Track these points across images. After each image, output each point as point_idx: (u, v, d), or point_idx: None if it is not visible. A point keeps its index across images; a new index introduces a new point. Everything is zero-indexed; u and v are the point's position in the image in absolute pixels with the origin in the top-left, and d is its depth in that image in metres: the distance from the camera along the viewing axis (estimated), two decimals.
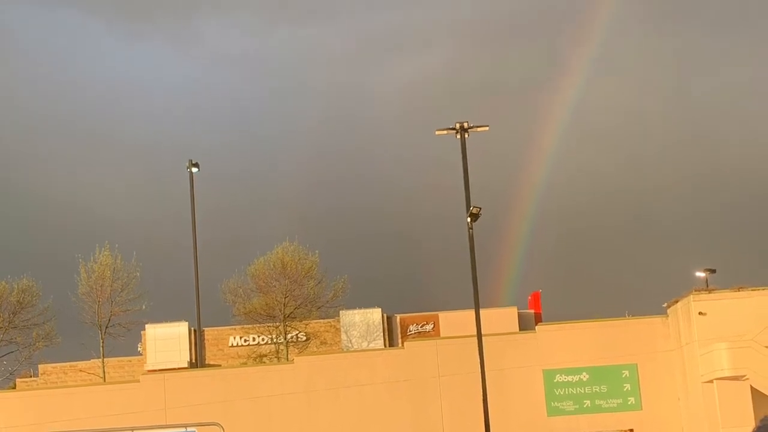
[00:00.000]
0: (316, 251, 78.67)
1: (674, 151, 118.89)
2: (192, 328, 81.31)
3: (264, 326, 79.26)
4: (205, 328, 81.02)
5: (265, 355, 79.86)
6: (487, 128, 60.09)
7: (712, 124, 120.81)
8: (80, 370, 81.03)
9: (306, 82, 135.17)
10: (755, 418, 56.47)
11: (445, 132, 59.63)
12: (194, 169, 72.98)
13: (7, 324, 76.43)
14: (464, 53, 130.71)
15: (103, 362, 77.44)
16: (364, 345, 79.61)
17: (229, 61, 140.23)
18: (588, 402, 62.93)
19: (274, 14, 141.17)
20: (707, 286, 65.02)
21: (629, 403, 63.11)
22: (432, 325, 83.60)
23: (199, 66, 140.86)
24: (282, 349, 78.44)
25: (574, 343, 63.62)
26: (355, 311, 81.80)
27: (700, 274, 67.55)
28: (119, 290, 76.30)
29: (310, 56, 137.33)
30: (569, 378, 63.09)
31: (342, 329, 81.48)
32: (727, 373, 58.89)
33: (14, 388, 77.50)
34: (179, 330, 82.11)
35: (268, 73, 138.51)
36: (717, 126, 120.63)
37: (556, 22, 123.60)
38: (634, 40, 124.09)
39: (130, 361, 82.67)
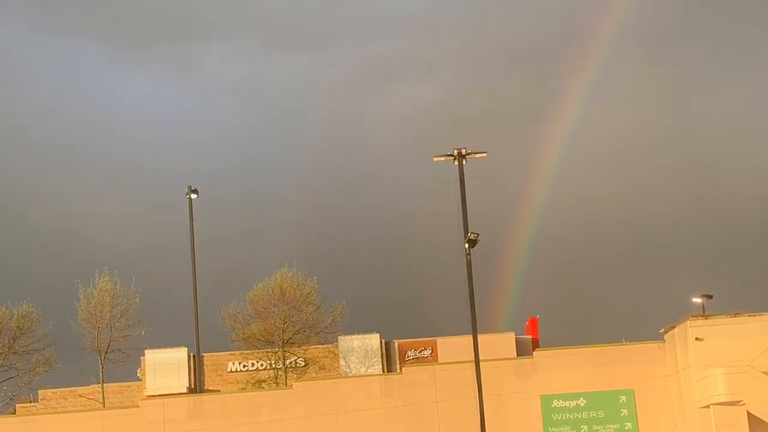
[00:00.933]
0: (315, 277, 78.98)
1: (671, 177, 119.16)
2: (191, 354, 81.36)
3: (263, 352, 79.27)
4: (204, 354, 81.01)
5: (264, 381, 79.88)
6: (485, 155, 60.28)
7: (709, 151, 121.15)
8: (80, 396, 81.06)
9: (305, 110, 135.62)
10: None
11: (443, 158, 59.81)
12: (193, 196, 73.15)
13: (7, 350, 76.55)
14: (462, 82, 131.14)
15: (102, 388, 77.50)
16: (363, 370, 79.64)
17: (229, 89, 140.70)
18: (585, 427, 63.09)
19: (273, 42, 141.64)
20: (704, 311, 65.20)
21: (626, 428, 63.26)
22: (430, 351, 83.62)
23: (198, 93, 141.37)
24: (281, 375, 78.48)
25: (571, 369, 63.79)
26: (354, 337, 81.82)
27: (697, 300, 67.73)
28: (119, 316, 76.43)
29: (310, 84, 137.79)
30: (566, 403, 63.28)
31: (340, 355, 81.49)
32: (723, 399, 59.12)
33: (14, 413, 77.56)
34: (178, 355, 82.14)
35: (267, 101, 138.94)
36: (714, 153, 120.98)
37: (552, 51, 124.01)
38: (631, 67, 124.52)
39: (130, 386, 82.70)
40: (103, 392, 77.54)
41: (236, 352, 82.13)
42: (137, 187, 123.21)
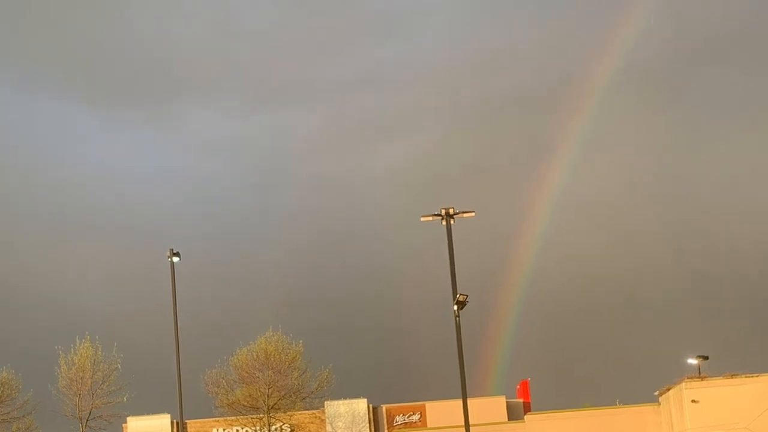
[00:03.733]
0: (300, 341, 78.29)
1: (664, 232, 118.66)
2: (174, 420, 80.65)
3: (247, 418, 78.42)
4: (188, 420, 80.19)
5: None
6: (473, 214, 59.36)
7: (702, 204, 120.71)
8: None
9: (288, 168, 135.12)
10: None
11: (430, 218, 58.88)
12: (175, 259, 72.07)
13: None
14: (450, 136, 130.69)
15: None
16: None
17: (212, 147, 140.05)
18: None
19: (255, 99, 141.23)
20: (699, 373, 64.64)
21: None
22: (419, 416, 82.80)
23: (179, 152, 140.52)
24: None
25: None
26: (341, 402, 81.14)
27: (693, 361, 66.96)
28: (100, 382, 75.69)
29: (293, 141, 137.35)
30: None
31: (327, 420, 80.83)
32: None
33: None
34: (161, 422, 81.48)
35: (251, 158, 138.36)
36: (708, 205, 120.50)
37: (543, 103, 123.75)
38: (623, 118, 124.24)
39: None
40: None
41: (220, 419, 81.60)
42: (118, 250, 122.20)
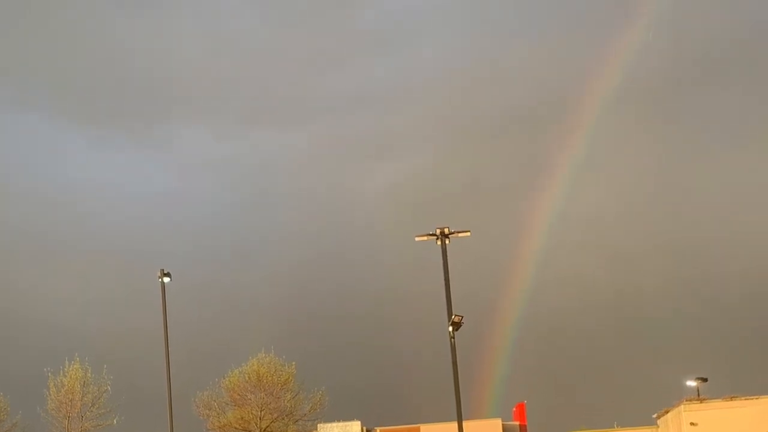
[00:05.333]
0: (293, 363, 77.75)
1: (662, 253, 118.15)
2: None
3: None
4: None
5: None
6: (468, 234, 59.03)
7: (700, 225, 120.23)
8: None
9: (280, 188, 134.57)
10: None
11: (425, 238, 58.53)
12: (166, 279, 71.64)
13: None
14: (445, 157, 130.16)
15: None
16: None
17: (202, 167, 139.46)
18: None
19: (247, 119, 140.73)
20: (698, 395, 64.22)
21: None
22: None
23: (170, 172, 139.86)
24: None
25: None
26: (334, 424, 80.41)
27: (691, 384, 66.39)
28: (89, 404, 74.98)
29: (284, 161, 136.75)
30: None
31: None
32: None
33: None
34: None
35: (242, 179, 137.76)
36: (705, 227, 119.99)
37: (539, 123, 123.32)
38: (619, 139, 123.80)
39: None
40: None
41: None
42: (108, 271, 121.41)
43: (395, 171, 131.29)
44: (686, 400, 61.40)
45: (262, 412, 76.04)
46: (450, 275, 57.50)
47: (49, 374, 74.85)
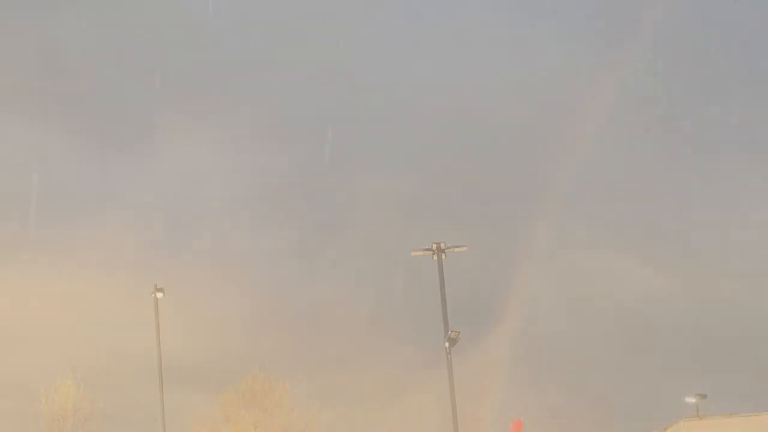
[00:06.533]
0: (286, 380, 77.14)
1: (662, 269, 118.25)
2: None
3: None
4: None
5: None
6: (464, 248, 59.45)
7: (697, 244, 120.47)
8: None
9: (274, 203, 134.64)
10: None
11: (421, 253, 58.96)
12: (159, 294, 72.32)
13: None
14: (442, 169, 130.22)
15: None
16: None
17: (194, 181, 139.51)
18: None
19: (240, 134, 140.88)
20: (698, 412, 64.40)
21: None
22: None
23: (162, 185, 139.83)
24: None
25: None
26: None
27: (691, 400, 66.49)
28: (81, 422, 74.49)
29: (276, 177, 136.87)
30: None
31: None
32: None
33: None
34: None
35: (235, 193, 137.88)
36: (704, 246, 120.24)
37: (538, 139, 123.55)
38: (619, 155, 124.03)
39: None
40: None
41: None
42: (99, 285, 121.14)
43: (387, 185, 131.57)
44: (685, 418, 61.59)
45: (256, 430, 75.35)
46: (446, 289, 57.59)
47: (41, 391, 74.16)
